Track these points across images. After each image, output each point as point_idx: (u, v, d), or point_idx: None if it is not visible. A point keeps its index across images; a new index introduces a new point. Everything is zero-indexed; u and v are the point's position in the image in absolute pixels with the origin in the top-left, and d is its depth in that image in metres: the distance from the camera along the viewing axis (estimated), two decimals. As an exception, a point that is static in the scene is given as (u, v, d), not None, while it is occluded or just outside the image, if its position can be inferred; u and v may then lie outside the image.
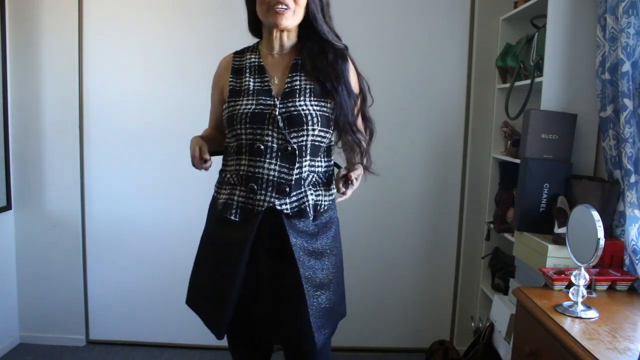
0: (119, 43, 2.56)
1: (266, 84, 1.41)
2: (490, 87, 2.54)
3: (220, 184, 1.48)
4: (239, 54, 1.51)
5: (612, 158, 1.77)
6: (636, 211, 1.68)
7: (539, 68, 2.01)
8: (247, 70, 1.44)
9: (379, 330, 2.75)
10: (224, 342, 2.88)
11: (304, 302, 1.35)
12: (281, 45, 1.44)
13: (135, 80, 2.59)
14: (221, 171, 1.50)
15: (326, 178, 1.45)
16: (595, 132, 1.95)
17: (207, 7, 2.53)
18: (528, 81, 2.06)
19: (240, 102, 1.39)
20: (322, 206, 1.42)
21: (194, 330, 2.71)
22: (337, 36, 1.47)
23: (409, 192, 2.66)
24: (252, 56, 1.46)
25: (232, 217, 1.38)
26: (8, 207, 2.59)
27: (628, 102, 1.64)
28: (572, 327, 1.35)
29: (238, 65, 1.47)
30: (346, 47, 1.47)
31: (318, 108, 1.38)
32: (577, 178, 1.83)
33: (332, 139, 1.46)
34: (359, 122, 1.50)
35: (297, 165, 1.36)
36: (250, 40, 1.58)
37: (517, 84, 2.20)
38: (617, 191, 1.74)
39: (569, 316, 1.41)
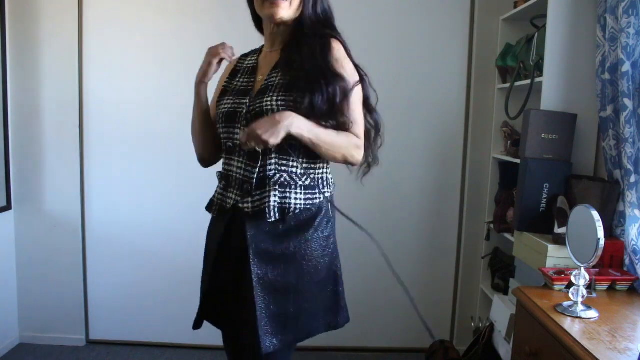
0: (119, 43, 2.56)
1: (250, 83, 1.40)
2: (490, 87, 2.54)
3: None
4: (244, 57, 1.52)
5: (612, 158, 1.77)
6: (636, 211, 1.68)
7: (539, 68, 2.01)
8: (241, 72, 1.46)
9: (379, 330, 2.75)
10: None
11: (253, 303, 1.28)
12: (273, 41, 1.41)
13: (135, 80, 2.59)
14: None
15: (306, 180, 1.35)
16: (595, 132, 1.95)
17: (208, 7, 2.53)
18: (528, 81, 2.06)
19: (222, 103, 1.40)
20: (293, 209, 1.31)
21: (194, 330, 2.71)
22: (330, 26, 1.39)
23: (409, 192, 2.66)
24: (253, 58, 1.48)
25: (212, 213, 1.43)
26: (8, 207, 2.59)
27: (628, 102, 1.65)
28: (572, 327, 1.35)
29: (239, 68, 1.48)
30: (331, 35, 1.36)
31: (283, 103, 1.28)
32: (577, 178, 1.83)
33: None
34: (350, 110, 1.34)
35: (260, 163, 1.31)
36: (250, 38, 1.56)
37: (517, 84, 2.20)
38: (617, 191, 1.74)
39: (569, 316, 1.41)
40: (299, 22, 1.37)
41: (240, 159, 1.34)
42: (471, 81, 2.56)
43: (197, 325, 1.47)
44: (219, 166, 1.52)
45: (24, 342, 2.71)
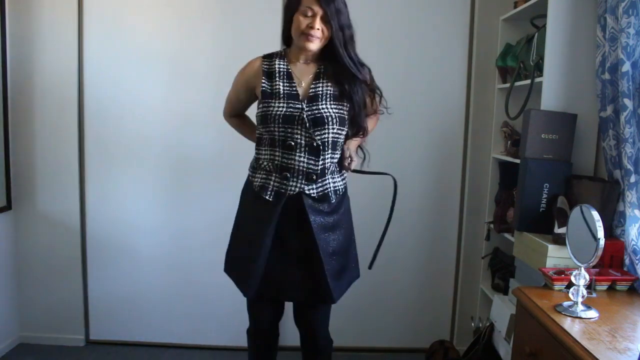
0: (120, 44, 2.55)
1: (294, 88, 1.66)
2: (490, 87, 2.54)
3: (254, 169, 1.73)
4: (268, 58, 1.72)
5: (612, 158, 1.77)
6: (636, 211, 1.68)
7: (539, 68, 2.01)
8: (277, 75, 1.68)
9: (379, 330, 2.75)
10: (224, 342, 2.88)
11: (322, 267, 1.65)
12: (306, 58, 1.70)
13: (135, 82, 2.58)
14: (256, 158, 1.74)
15: (334, 167, 1.72)
16: (595, 132, 1.95)
17: (209, 9, 2.53)
18: (528, 81, 2.06)
19: (273, 104, 1.64)
20: (340, 190, 1.72)
21: (194, 330, 2.72)
22: (359, 62, 1.69)
23: (409, 192, 2.66)
24: (281, 63, 1.70)
25: (267, 198, 1.65)
26: (8, 207, 2.58)
27: (628, 102, 1.65)
28: (572, 327, 1.35)
29: (268, 69, 1.70)
30: (368, 70, 1.73)
31: (336, 110, 1.65)
32: (577, 178, 1.83)
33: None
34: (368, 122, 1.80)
35: (321, 157, 1.64)
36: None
37: (517, 84, 2.20)
38: (617, 191, 1.74)
39: (569, 316, 1.41)
40: (326, 44, 1.66)
41: (302, 154, 1.63)
42: (471, 81, 2.56)
43: (251, 294, 1.71)
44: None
45: (24, 342, 2.71)
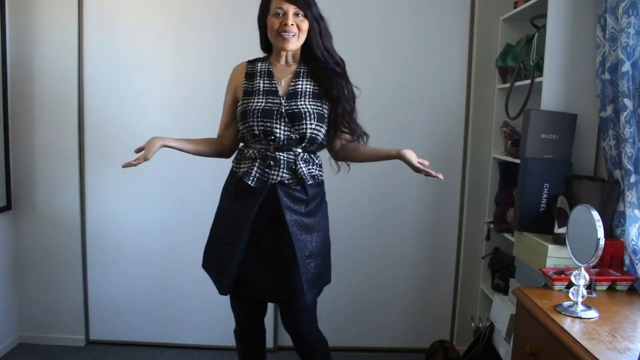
0: (120, 44, 2.55)
1: (274, 85, 1.73)
2: (490, 87, 2.53)
3: (239, 161, 1.76)
4: (251, 62, 1.80)
5: (612, 158, 1.77)
6: (636, 211, 1.68)
7: (539, 68, 2.01)
8: (258, 75, 1.75)
9: (379, 330, 2.75)
10: (224, 342, 2.88)
11: (298, 268, 1.67)
12: (286, 60, 1.76)
13: (135, 81, 2.58)
14: (240, 150, 1.79)
15: (316, 160, 1.77)
16: (595, 132, 1.95)
17: (211, 9, 2.53)
18: (528, 81, 2.06)
19: (252, 100, 1.70)
20: (318, 177, 1.75)
21: (194, 330, 2.72)
22: (334, 55, 1.74)
23: (409, 192, 2.66)
24: (263, 65, 1.78)
25: (250, 182, 1.68)
26: (8, 207, 2.58)
27: (628, 102, 1.65)
28: (572, 327, 1.35)
29: (251, 71, 1.77)
30: (342, 64, 1.76)
31: (315, 107, 1.70)
32: (577, 178, 1.83)
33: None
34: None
35: (298, 147, 1.70)
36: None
37: (517, 84, 2.20)
38: (617, 191, 1.74)
39: (569, 316, 1.41)
40: (307, 44, 1.72)
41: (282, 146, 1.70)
42: (471, 81, 2.56)
43: (226, 291, 1.77)
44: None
45: (24, 342, 2.71)
